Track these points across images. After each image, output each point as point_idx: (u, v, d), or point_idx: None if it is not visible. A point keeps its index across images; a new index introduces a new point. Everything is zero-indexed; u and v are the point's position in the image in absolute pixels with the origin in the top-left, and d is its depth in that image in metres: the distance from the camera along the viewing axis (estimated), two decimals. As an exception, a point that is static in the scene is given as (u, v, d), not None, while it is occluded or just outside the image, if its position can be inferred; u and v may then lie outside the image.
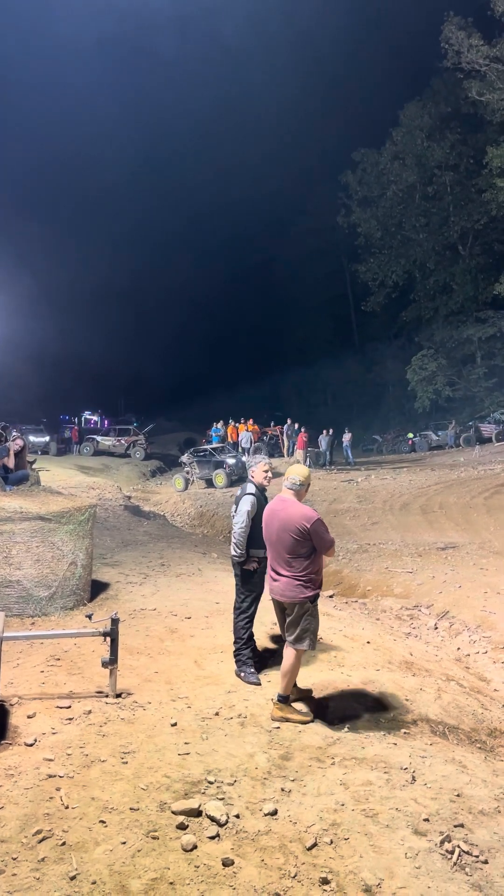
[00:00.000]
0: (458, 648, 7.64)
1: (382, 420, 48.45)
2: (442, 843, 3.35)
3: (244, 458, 25.62)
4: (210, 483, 24.93)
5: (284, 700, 4.85)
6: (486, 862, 3.25)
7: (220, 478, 24.49)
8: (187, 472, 25.87)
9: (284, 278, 64.54)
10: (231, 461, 24.86)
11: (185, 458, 26.88)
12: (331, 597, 9.86)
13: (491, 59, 30.34)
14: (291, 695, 4.94)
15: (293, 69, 64.28)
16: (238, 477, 24.23)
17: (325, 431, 29.87)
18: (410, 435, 37.82)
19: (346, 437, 30.68)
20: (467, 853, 3.29)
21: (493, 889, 3.05)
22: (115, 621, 5.00)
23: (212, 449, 26.54)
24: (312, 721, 4.80)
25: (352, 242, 48.06)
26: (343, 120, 54.38)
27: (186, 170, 69.69)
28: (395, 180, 42.89)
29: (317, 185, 54.95)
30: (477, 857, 3.27)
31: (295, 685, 5.08)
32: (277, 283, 65.92)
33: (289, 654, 4.87)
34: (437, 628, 8.35)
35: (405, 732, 4.76)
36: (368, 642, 6.87)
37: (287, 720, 4.77)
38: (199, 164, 69.51)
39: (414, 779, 3.98)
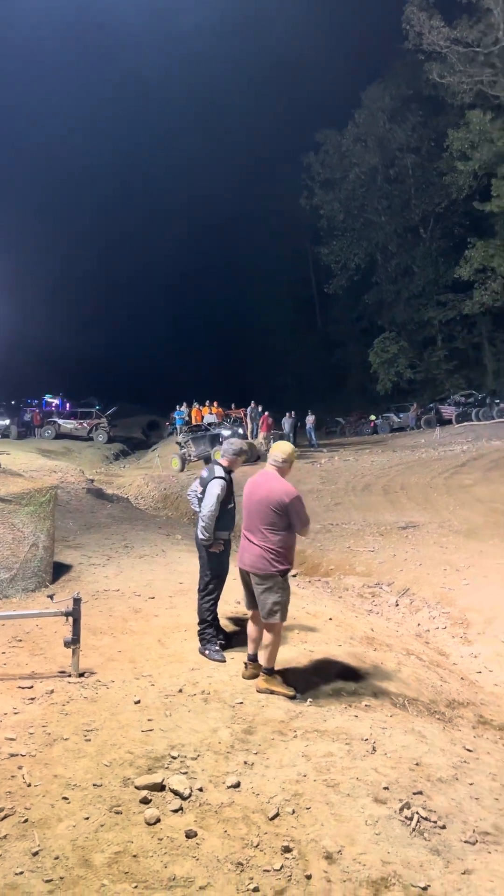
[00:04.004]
0: (419, 624, 7.79)
1: (345, 402, 48.65)
2: (401, 809, 3.42)
3: (226, 432, 24.56)
4: (208, 460, 23.15)
5: (270, 672, 4.93)
6: (443, 827, 3.33)
7: (217, 455, 23.67)
8: (184, 452, 25.08)
9: (248, 261, 64.23)
10: (227, 433, 23.84)
11: (180, 439, 26.17)
12: (294, 576, 9.92)
13: (452, 42, 30.33)
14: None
15: (256, 48, 63.60)
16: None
17: (288, 414, 29.89)
18: (373, 417, 38.06)
19: (310, 419, 30.77)
20: (426, 819, 3.37)
21: (450, 853, 3.13)
22: (76, 601, 4.98)
23: (207, 424, 25.87)
24: (295, 696, 4.86)
25: (314, 225, 47.93)
26: (307, 100, 54.01)
27: (150, 154, 68.92)
28: (358, 162, 42.83)
29: (280, 167, 54.63)
30: (435, 822, 3.35)
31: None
32: (241, 265, 65.60)
33: (266, 629, 4.94)
34: (398, 605, 8.49)
35: (366, 705, 4.83)
36: (331, 619, 6.94)
37: (273, 692, 4.84)
38: (163, 148, 68.66)
39: (374, 749, 4.05)
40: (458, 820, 3.40)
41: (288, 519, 4.84)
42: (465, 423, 30.09)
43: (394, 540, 11.22)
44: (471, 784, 3.76)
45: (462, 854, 3.13)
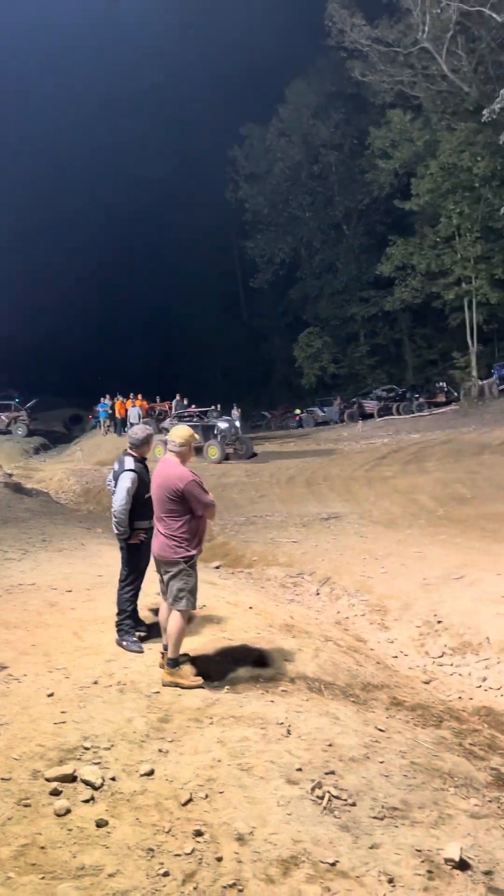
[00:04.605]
0: (338, 612, 7.92)
1: (271, 396, 49.01)
2: (313, 789, 3.47)
3: (223, 424, 22.31)
4: (199, 451, 20.43)
5: (174, 664, 4.85)
6: (354, 804, 3.40)
7: (213, 450, 20.96)
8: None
9: (175, 253, 63.67)
10: (223, 425, 22.05)
11: (167, 424, 24.99)
12: (217, 568, 9.94)
13: (373, 40, 30.64)
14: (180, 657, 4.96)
15: (182, 37, 62.96)
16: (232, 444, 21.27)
17: (213, 407, 29.83)
18: (297, 411, 38.54)
19: (235, 412, 30.83)
20: (337, 797, 3.43)
21: (359, 829, 3.20)
22: (-13, 594, 4.84)
23: (199, 412, 24.46)
24: (202, 686, 4.83)
25: (240, 218, 47.99)
26: (237, 92, 53.70)
27: (75, 143, 67.07)
28: (282, 157, 43.11)
29: (209, 159, 54.27)
30: (346, 800, 3.42)
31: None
32: (168, 257, 64.98)
33: (172, 616, 4.89)
34: (318, 594, 8.62)
35: (283, 690, 4.88)
36: (251, 608, 6.97)
37: (177, 685, 4.77)
38: (89, 137, 67.03)
39: (289, 732, 4.09)
40: (368, 797, 3.47)
41: (187, 504, 4.80)
42: (387, 417, 30.79)
43: (316, 531, 11.39)
44: (381, 762, 3.84)
45: (370, 829, 3.20)
